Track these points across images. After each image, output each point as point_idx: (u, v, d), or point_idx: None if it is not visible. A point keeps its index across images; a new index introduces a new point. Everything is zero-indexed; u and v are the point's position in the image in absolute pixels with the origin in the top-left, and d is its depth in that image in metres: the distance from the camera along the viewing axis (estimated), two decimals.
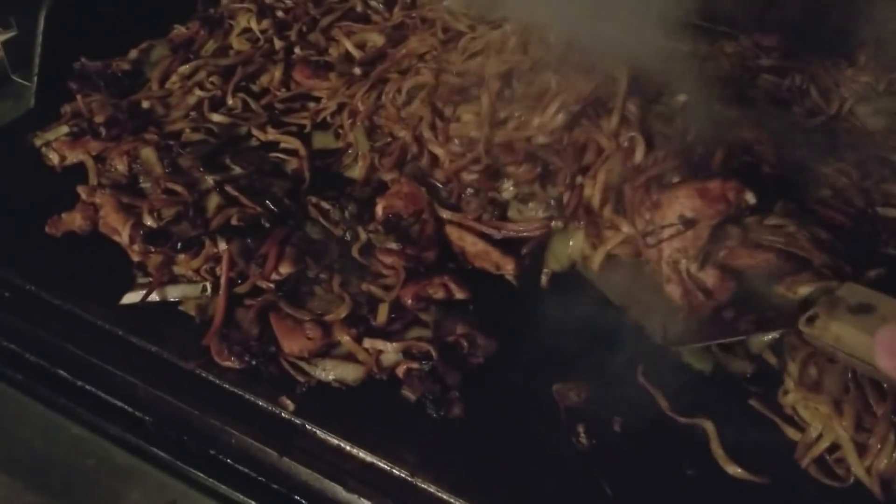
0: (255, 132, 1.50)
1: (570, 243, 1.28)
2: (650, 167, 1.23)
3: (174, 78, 1.58)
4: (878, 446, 1.01)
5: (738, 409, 1.11)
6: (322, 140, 1.50)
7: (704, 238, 1.14)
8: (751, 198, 1.16)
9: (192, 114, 1.51)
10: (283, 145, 1.48)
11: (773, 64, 1.58)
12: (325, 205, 1.34)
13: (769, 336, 1.13)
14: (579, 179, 1.27)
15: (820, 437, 1.05)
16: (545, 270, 1.28)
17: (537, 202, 1.31)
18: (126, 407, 1.15)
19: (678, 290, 1.16)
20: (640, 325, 1.17)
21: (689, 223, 1.16)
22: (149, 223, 1.25)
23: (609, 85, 1.31)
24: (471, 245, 1.29)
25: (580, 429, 1.07)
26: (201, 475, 1.10)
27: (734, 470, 1.03)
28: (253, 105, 1.55)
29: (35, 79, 1.58)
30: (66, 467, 1.20)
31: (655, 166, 1.23)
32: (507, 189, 1.33)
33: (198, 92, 1.55)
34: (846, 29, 1.60)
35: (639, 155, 1.25)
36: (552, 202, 1.29)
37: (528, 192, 1.32)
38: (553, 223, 1.28)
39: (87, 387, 1.18)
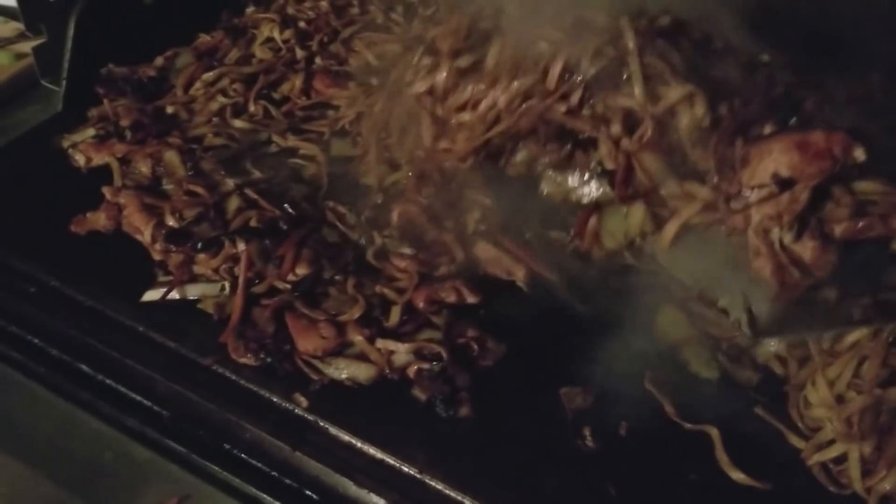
0: (275, 138, 1.54)
1: (627, 217, 1.14)
2: (728, 118, 1.06)
3: (198, 85, 1.63)
4: (884, 472, 1.01)
5: (744, 417, 1.12)
6: (340, 147, 1.53)
7: (803, 202, 0.96)
8: (861, 154, 0.97)
9: (215, 119, 1.55)
10: (302, 151, 1.52)
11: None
12: (342, 209, 1.37)
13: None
14: (625, 144, 1.09)
15: (832, 442, 1.06)
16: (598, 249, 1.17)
17: (577, 169, 1.15)
18: (144, 401, 1.19)
19: (768, 265, 0.98)
20: (721, 312, 1.05)
21: (785, 184, 0.96)
22: (170, 223, 1.28)
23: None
24: (482, 251, 1.31)
25: (586, 432, 1.09)
26: (216, 468, 1.13)
27: (737, 475, 1.04)
28: (274, 112, 1.59)
29: (64, 83, 1.63)
30: (85, 460, 1.23)
31: (739, 114, 1.05)
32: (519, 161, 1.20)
33: (220, 98, 1.59)
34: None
35: (699, 110, 1.08)
36: (597, 168, 1.12)
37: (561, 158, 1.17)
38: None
39: (108, 381, 1.21)
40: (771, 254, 0.98)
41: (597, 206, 1.14)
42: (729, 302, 1.03)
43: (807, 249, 0.97)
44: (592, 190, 1.17)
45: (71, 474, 1.21)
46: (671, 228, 1.07)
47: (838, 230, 0.97)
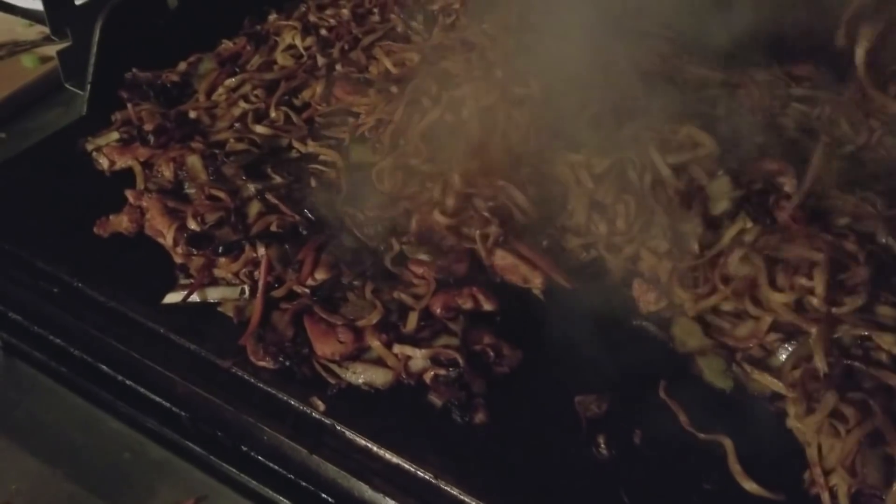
0: (295, 144, 1.55)
1: None
2: None
3: (220, 90, 1.65)
4: None
5: (757, 428, 1.13)
6: (360, 154, 1.54)
7: None
8: None
9: (237, 125, 1.57)
10: (322, 157, 1.53)
11: (803, 94, 1.61)
12: (360, 216, 1.39)
13: None
14: None
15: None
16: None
17: None
18: (164, 402, 1.20)
19: None
20: None
21: None
22: (193, 227, 1.30)
23: None
24: (500, 259, 1.32)
25: (601, 439, 1.10)
26: (233, 470, 1.14)
27: (750, 486, 1.05)
28: (294, 118, 1.61)
29: (88, 87, 1.65)
30: (103, 459, 1.25)
31: None
32: None
33: (242, 104, 1.61)
34: (878, 61, 1.62)
35: None
36: None
37: None
38: None
39: (128, 381, 1.23)
40: None
41: None
42: None
43: None
44: None
45: (89, 473, 1.23)
46: None
47: None
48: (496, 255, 1.32)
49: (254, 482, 1.13)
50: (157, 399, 1.21)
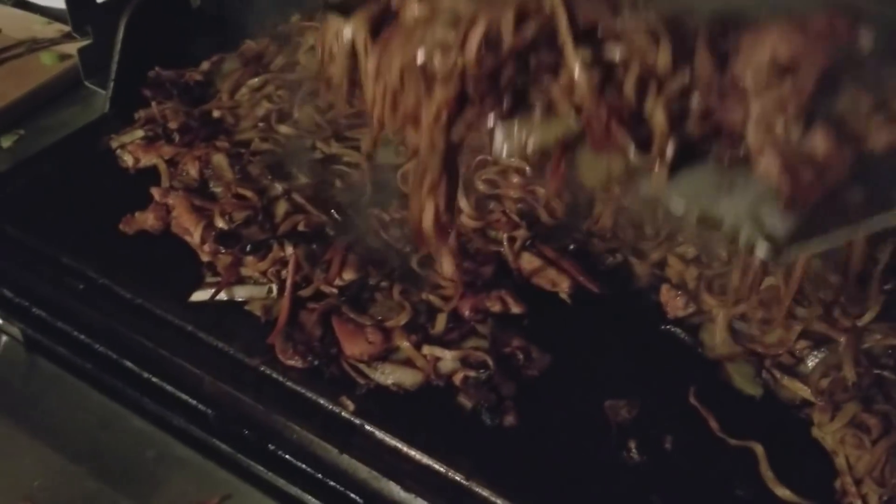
0: (319, 144, 1.55)
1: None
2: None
3: (244, 90, 1.65)
4: None
5: (787, 435, 1.13)
6: (384, 155, 1.54)
7: (809, 88, 0.81)
8: (867, 40, 0.84)
9: (261, 124, 1.57)
10: (346, 158, 1.53)
11: None
12: (386, 217, 1.39)
13: None
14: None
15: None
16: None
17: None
18: (190, 400, 1.20)
19: (775, 163, 0.82)
20: (730, 236, 0.90)
21: (785, 68, 0.82)
22: (220, 225, 1.30)
23: None
24: (527, 262, 1.32)
25: (631, 444, 1.09)
26: (260, 468, 1.14)
27: (783, 492, 1.04)
28: (318, 119, 1.61)
29: (111, 85, 1.65)
30: (126, 457, 1.24)
31: None
32: None
33: (266, 104, 1.61)
34: None
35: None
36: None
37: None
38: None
39: (154, 379, 1.23)
40: (776, 149, 0.83)
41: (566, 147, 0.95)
42: (735, 220, 0.88)
43: (818, 143, 0.81)
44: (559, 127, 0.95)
45: (112, 470, 1.23)
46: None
47: (854, 123, 0.82)
48: (523, 258, 1.32)
49: (281, 481, 1.13)
50: (184, 397, 1.20)
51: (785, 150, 0.82)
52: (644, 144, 0.86)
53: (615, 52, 0.84)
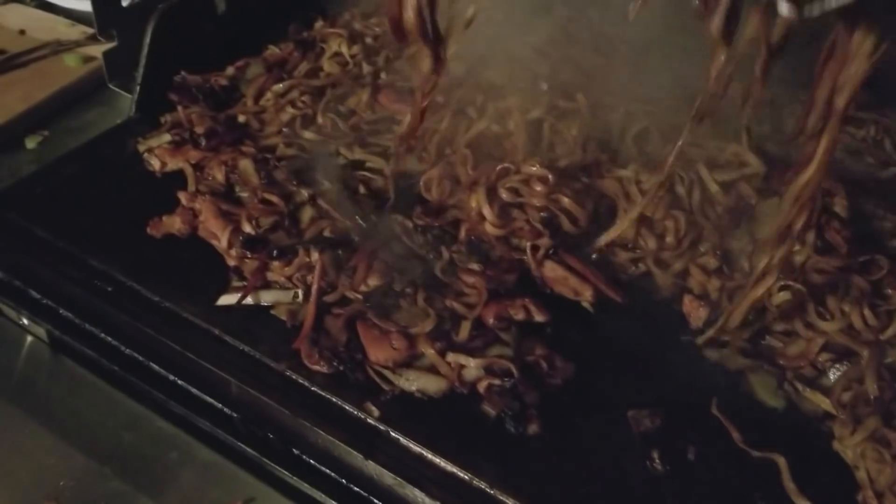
0: (342, 150, 1.57)
1: None
2: None
3: (268, 95, 1.66)
4: None
5: (809, 447, 1.13)
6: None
7: None
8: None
9: (285, 130, 1.58)
10: (368, 164, 1.54)
11: (850, 115, 1.61)
12: (409, 223, 1.40)
13: None
14: None
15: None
16: None
17: None
18: (215, 403, 1.21)
19: None
20: None
21: None
22: (247, 230, 1.31)
23: None
24: (549, 270, 1.33)
25: (654, 454, 1.10)
26: (285, 472, 1.15)
27: None
28: (341, 125, 1.62)
29: (138, 88, 1.67)
30: (150, 458, 1.25)
31: None
32: None
33: (290, 109, 1.62)
34: None
35: None
36: None
37: None
38: None
39: (179, 382, 1.24)
40: None
41: None
42: None
43: None
44: None
45: (137, 471, 1.24)
46: None
47: None
48: (546, 266, 1.33)
49: (305, 485, 1.14)
50: (209, 399, 1.21)
51: None
52: None
53: None
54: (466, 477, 1.07)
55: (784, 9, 0.81)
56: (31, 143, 1.83)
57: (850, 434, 1.12)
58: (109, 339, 1.29)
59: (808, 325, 1.21)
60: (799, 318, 1.22)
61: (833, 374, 1.19)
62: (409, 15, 1.01)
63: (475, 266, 1.32)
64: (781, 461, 1.09)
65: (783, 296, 1.24)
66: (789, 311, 1.23)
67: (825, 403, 1.17)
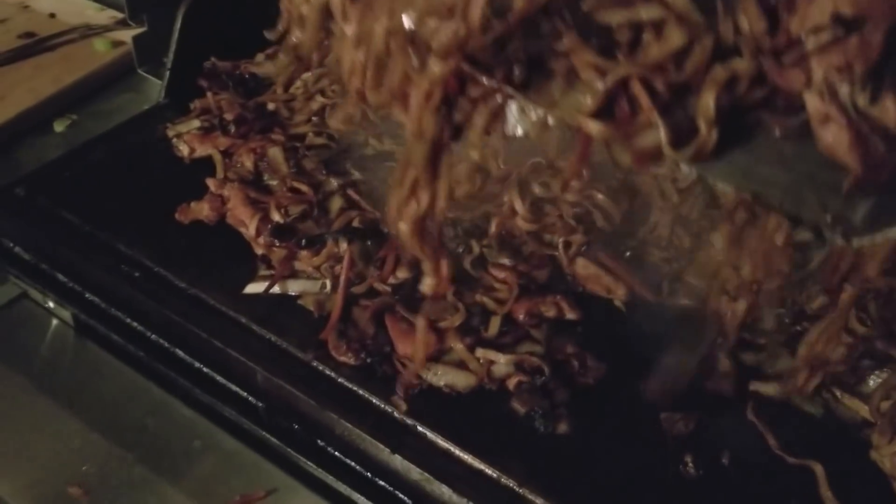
0: (371, 140, 1.55)
1: None
2: None
3: (298, 84, 1.65)
4: None
5: (847, 455, 1.10)
6: None
7: (877, 45, 0.70)
8: None
9: (315, 119, 1.57)
10: (398, 156, 1.52)
11: None
12: None
13: None
14: None
15: None
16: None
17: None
18: (241, 391, 1.20)
19: (844, 136, 0.71)
20: (792, 217, 0.79)
21: (850, 25, 0.69)
22: (276, 219, 1.30)
23: None
24: (581, 267, 1.31)
25: (688, 458, 1.08)
26: (309, 464, 1.13)
27: None
28: (371, 115, 1.60)
29: (168, 74, 1.66)
30: (174, 445, 1.25)
31: None
32: None
33: (320, 98, 1.61)
34: None
35: None
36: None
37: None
38: None
39: (205, 369, 1.23)
40: (845, 119, 0.70)
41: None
42: (794, 201, 0.75)
43: (889, 111, 0.69)
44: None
45: (160, 458, 1.23)
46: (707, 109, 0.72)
47: None
48: (578, 263, 1.31)
49: (329, 477, 1.13)
50: (235, 388, 1.20)
51: (853, 118, 0.70)
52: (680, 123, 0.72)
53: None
54: (494, 474, 1.05)
55: (833, 237, 0.75)
56: (59, 127, 1.83)
57: (888, 443, 1.09)
58: (135, 324, 1.28)
59: (849, 331, 1.18)
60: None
61: (873, 381, 1.16)
62: (405, 228, 0.87)
63: (506, 261, 1.29)
64: (819, 469, 1.06)
65: (822, 300, 1.21)
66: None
67: (863, 410, 1.14)
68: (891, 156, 0.70)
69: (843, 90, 0.71)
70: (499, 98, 0.77)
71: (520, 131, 0.83)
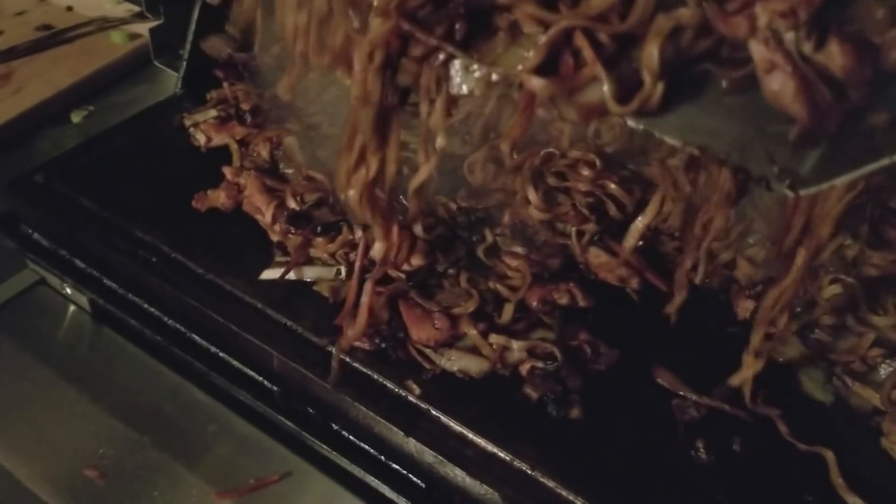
0: None
1: None
2: None
3: (312, 74, 1.65)
4: None
5: (857, 443, 1.11)
6: (450, 144, 1.54)
7: None
8: None
9: (329, 109, 1.58)
10: (412, 145, 1.53)
11: None
12: (452, 205, 1.39)
13: None
14: None
15: None
16: None
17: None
18: (256, 376, 1.21)
19: (790, 83, 0.69)
20: (739, 169, 0.76)
21: None
22: (292, 206, 1.31)
23: None
24: (594, 256, 1.31)
25: (699, 444, 1.08)
26: (324, 447, 1.15)
27: (854, 500, 1.03)
28: None
29: (184, 65, 1.67)
30: (189, 429, 1.26)
31: None
32: None
33: (334, 89, 1.62)
34: None
35: None
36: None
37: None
38: None
39: (221, 354, 1.24)
40: (790, 66, 0.69)
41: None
42: (741, 154, 0.74)
43: (835, 57, 0.68)
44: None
45: (175, 442, 1.25)
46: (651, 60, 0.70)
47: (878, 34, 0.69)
48: (591, 252, 1.31)
49: (344, 460, 1.14)
50: (250, 373, 1.22)
51: (798, 65, 0.69)
52: (626, 76, 0.71)
53: None
54: (507, 457, 1.06)
55: (779, 187, 0.75)
56: (76, 118, 1.85)
57: None
58: (152, 309, 1.30)
59: (860, 320, 1.18)
60: (850, 313, 1.19)
61: (884, 370, 1.16)
62: (353, 195, 0.88)
63: (519, 249, 1.30)
64: (830, 456, 1.07)
65: (833, 289, 1.21)
66: (840, 304, 1.20)
67: (875, 399, 1.14)
68: (837, 103, 0.69)
69: (788, 36, 0.69)
70: (441, 56, 0.77)
71: (465, 90, 0.80)
